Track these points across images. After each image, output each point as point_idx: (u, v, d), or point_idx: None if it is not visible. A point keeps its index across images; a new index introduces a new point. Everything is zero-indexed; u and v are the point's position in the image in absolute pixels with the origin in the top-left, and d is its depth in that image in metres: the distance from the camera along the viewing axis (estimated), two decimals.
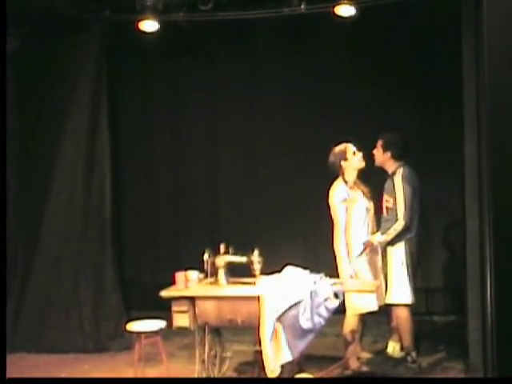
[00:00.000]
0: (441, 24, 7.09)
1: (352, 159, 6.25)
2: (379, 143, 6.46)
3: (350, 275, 6.07)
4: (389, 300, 6.33)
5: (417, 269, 6.42)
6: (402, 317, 6.33)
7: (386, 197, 6.41)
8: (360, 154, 6.27)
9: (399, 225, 6.20)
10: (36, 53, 7.46)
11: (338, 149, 6.30)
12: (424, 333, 7.09)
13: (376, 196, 6.43)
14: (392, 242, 6.27)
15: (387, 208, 6.38)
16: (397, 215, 6.22)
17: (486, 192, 5.12)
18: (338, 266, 6.17)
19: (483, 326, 5.61)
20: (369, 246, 6.21)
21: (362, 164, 6.29)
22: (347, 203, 6.16)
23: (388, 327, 6.75)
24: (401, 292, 6.28)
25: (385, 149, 6.42)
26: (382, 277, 6.34)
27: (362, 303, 6.12)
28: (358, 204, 6.22)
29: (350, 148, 6.27)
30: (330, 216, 6.25)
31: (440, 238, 7.88)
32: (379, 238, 6.23)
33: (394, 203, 6.26)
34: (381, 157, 6.45)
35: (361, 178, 6.34)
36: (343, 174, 6.25)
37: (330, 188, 6.26)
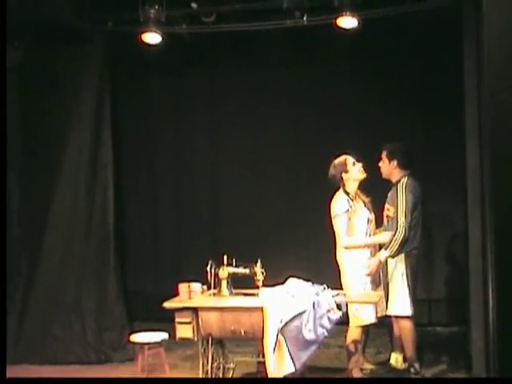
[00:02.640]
0: (442, 34, 7.11)
1: (352, 170, 6.25)
2: (384, 154, 6.45)
3: (364, 288, 6.09)
4: (390, 312, 6.31)
5: (416, 280, 6.41)
6: (405, 328, 6.32)
7: (387, 206, 6.41)
8: (360, 165, 6.27)
9: (399, 234, 6.17)
10: (39, 64, 7.47)
11: (337, 161, 6.30)
12: (427, 344, 7.08)
13: (377, 206, 6.44)
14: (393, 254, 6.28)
15: (387, 217, 6.39)
16: (397, 224, 6.21)
17: (488, 202, 5.14)
18: (342, 276, 6.18)
19: (486, 336, 5.61)
20: (378, 266, 6.19)
21: (363, 175, 6.28)
22: (349, 214, 6.17)
23: (390, 338, 6.73)
24: (401, 304, 6.26)
25: (390, 158, 6.39)
26: (381, 288, 6.34)
27: (361, 315, 6.12)
28: (360, 214, 6.23)
29: (350, 159, 6.27)
30: (332, 227, 6.26)
31: (442, 249, 7.88)
32: (385, 254, 6.19)
33: (395, 212, 6.26)
34: (387, 167, 6.42)
35: (362, 188, 6.35)
36: (344, 186, 6.26)
37: (331, 199, 6.27)
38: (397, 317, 6.33)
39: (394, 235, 6.17)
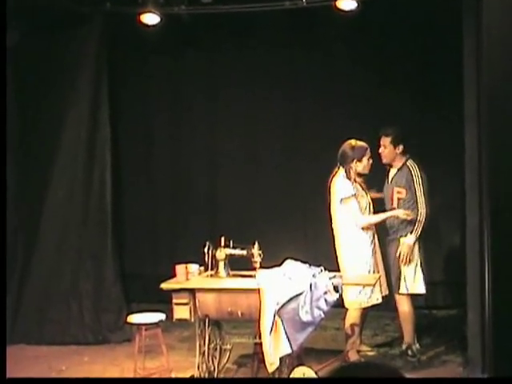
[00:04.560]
0: (441, 17, 7.07)
1: (364, 163, 6.26)
2: (387, 140, 6.43)
3: (367, 270, 6.14)
4: (403, 290, 6.34)
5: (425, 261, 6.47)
6: (405, 310, 6.35)
7: (397, 189, 6.41)
8: (370, 162, 6.28)
9: (421, 216, 6.25)
10: (36, 45, 7.44)
11: (359, 145, 6.27)
12: (423, 327, 7.10)
13: (371, 189, 6.47)
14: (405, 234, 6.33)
15: (399, 199, 6.40)
16: (417, 206, 6.25)
17: (485, 186, 5.14)
18: (340, 260, 6.20)
19: (482, 319, 5.63)
20: (410, 250, 6.26)
21: (366, 171, 6.32)
22: (353, 199, 6.18)
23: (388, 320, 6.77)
24: (415, 282, 6.31)
25: (396, 144, 6.40)
26: (381, 268, 6.38)
27: (363, 297, 6.17)
28: (364, 198, 6.26)
29: (369, 152, 6.29)
30: (329, 210, 6.26)
31: (439, 232, 7.89)
32: (412, 238, 6.25)
33: (411, 194, 6.29)
34: (391, 153, 6.43)
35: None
36: (350, 170, 6.24)
37: (331, 182, 6.27)
38: (410, 295, 6.35)
39: (417, 217, 6.23)
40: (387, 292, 6.37)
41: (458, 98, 6.18)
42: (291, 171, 8.22)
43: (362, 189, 6.34)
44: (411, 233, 6.26)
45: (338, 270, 6.02)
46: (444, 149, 7.57)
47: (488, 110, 4.78)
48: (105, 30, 7.51)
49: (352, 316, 6.27)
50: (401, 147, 6.40)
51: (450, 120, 7.17)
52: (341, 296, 5.58)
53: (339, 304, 5.80)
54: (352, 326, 6.26)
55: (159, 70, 8.48)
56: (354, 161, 6.22)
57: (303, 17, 7.44)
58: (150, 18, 6.98)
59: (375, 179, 6.57)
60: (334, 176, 6.29)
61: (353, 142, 6.29)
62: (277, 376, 5.47)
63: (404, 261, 6.26)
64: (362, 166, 6.26)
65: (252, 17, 7.30)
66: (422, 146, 7.54)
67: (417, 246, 6.32)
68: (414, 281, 6.30)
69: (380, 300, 6.26)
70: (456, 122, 6.44)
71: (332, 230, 6.32)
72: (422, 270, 6.32)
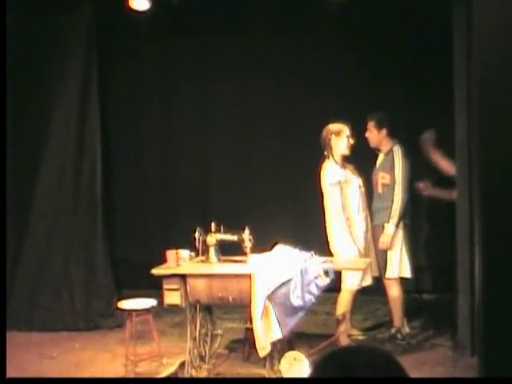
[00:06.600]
0: (432, 5, 7.06)
1: (342, 143, 6.27)
2: (371, 124, 6.48)
3: (355, 255, 6.16)
4: (389, 275, 6.37)
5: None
6: (395, 294, 6.39)
7: (381, 174, 6.44)
8: (351, 142, 6.29)
9: (397, 202, 6.26)
10: (25, 33, 7.37)
11: (335, 126, 6.32)
12: (413, 311, 7.15)
13: (363, 172, 6.49)
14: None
15: (383, 184, 6.42)
16: (394, 192, 6.27)
17: (475, 172, 5.16)
18: (331, 245, 6.22)
19: (471, 303, 5.67)
20: (392, 240, 6.28)
21: (347, 152, 6.32)
22: (342, 184, 6.20)
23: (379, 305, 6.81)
24: (401, 266, 6.35)
25: (379, 128, 6.44)
26: (373, 251, 6.41)
27: (356, 280, 6.21)
28: (354, 183, 6.28)
29: (346, 131, 6.30)
30: (321, 196, 6.28)
31: (429, 217, 7.92)
32: (392, 228, 6.26)
33: (392, 179, 6.30)
34: (376, 136, 6.47)
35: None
36: (332, 153, 6.27)
37: (320, 169, 6.28)
38: (398, 279, 6.40)
39: (392, 204, 6.23)
40: (377, 273, 6.41)
41: (448, 89, 6.18)
42: (282, 157, 8.23)
43: (353, 174, 6.36)
44: (388, 222, 6.28)
45: (329, 255, 6.04)
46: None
47: (478, 101, 4.79)
48: (94, 15, 7.45)
49: (344, 301, 6.31)
50: (384, 131, 6.44)
51: (440, 111, 7.17)
52: (333, 281, 5.61)
53: (330, 288, 5.83)
54: (344, 311, 6.30)
55: (150, 57, 8.43)
56: (333, 143, 6.24)
57: (296, 4, 7.41)
58: (140, 3, 6.94)
59: (369, 165, 6.60)
60: (322, 162, 6.32)
61: (329, 125, 6.32)
62: (268, 361, 5.50)
63: (384, 249, 6.30)
64: (341, 146, 6.28)
65: (243, 2, 7.27)
66: (413, 135, 7.56)
67: (401, 231, 6.34)
68: (400, 265, 6.34)
69: (370, 281, 6.31)
70: (446, 113, 6.45)
71: (324, 214, 6.34)
72: (408, 254, 6.36)
